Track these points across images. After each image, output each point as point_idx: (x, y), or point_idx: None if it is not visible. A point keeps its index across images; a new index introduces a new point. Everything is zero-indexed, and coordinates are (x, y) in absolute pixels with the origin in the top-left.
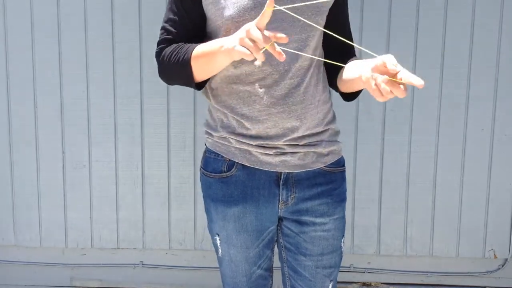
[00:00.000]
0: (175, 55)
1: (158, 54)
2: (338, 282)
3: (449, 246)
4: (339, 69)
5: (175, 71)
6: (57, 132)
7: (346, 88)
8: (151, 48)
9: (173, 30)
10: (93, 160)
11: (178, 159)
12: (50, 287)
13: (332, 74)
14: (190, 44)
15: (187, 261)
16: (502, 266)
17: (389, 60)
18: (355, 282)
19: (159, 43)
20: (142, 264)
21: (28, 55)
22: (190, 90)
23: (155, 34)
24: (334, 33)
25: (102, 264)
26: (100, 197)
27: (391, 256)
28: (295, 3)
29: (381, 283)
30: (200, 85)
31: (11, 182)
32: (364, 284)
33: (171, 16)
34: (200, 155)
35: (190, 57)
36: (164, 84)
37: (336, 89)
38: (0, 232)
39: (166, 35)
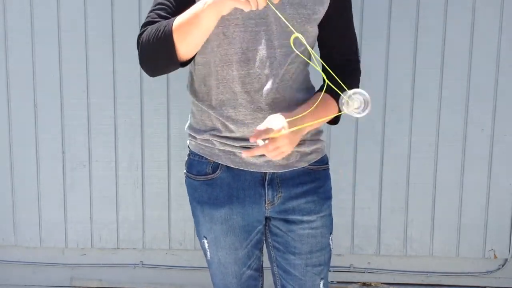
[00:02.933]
0: (154, 31)
1: (139, 37)
2: (338, 282)
3: (449, 246)
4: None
5: (156, 49)
6: (57, 132)
7: None
8: None
9: (161, 13)
10: (93, 160)
11: (178, 159)
12: (50, 287)
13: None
14: (171, 18)
15: (187, 261)
16: (502, 266)
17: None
18: (355, 282)
19: (142, 26)
20: (142, 264)
21: (28, 55)
22: None
23: None
24: (331, 41)
25: (102, 264)
26: (100, 197)
27: (391, 256)
28: (286, 10)
29: (381, 283)
30: (185, 63)
31: (11, 182)
32: (364, 284)
33: (160, 1)
34: None
35: (172, 28)
36: (164, 84)
37: None
38: (0, 232)
39: (152, 18)
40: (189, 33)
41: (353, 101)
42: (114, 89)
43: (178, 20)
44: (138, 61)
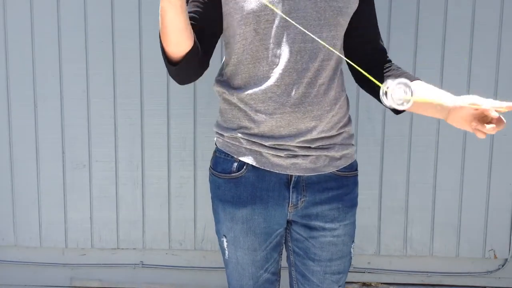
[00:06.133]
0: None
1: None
2: None
3: (449, 246)
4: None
5: (164, 60)
6: (57, 132)
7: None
8: (151, 48)
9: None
10: (93, 160)
11: (178, 159)
12: (50, 287)
13: (361, 76)
14: None
15: (187, 261)
16: (502, 266)
17: (485, 104)
18: (355, 282)
19: None
20: (142, 264)
21: (28, 55)
22: (190, 90)
23: (155, 35)
24: (360, 35)
25: (102, 264)
26: (100, 197)
27: (391, 256)
28: (317, 3)
29: (381, 283)
30: (175, 64)
31: (11, 182)
32: (364, 284)
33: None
34: (200, 155)
35: (159, 33)
36: (164, 84)
37: (368, 90)
38: (0, 232)
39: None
40: (164, 34)
41: (396, 92)
42: (114, 89)
43: (159, 27)
44: (138, 61)
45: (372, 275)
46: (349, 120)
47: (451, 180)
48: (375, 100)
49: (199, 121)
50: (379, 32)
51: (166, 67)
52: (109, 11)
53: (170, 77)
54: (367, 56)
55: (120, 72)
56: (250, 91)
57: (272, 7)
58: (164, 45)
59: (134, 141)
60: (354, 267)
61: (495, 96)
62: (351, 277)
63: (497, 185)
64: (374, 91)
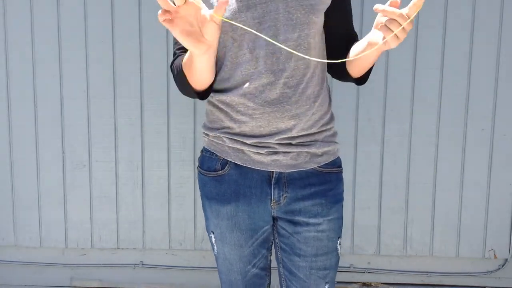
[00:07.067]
0: (175, 68)
1: (171, 67)
2: (338, 282)
3: (449, 246)
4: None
5: (179, 84)
6: (57, 132)
7: (358, 69)
8: (151, 48)
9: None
10: (93, 160)
11: (178, 159)
12: (50, 287)
13: (340, 69)
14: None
15: (187, 261)
16: (502, 266)
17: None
18: (355, 282)
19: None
20: (142, 264)
21: (28, 55)
22: None
23: (155, 34)
24: (335, 29)
25: (102, 264)
26: (100, 197)
27: (391, 256)
28: (288, 2)
29: (381, 283)
30: (203, 95)
31: (11, 182)
32: (364, 284)
33: None
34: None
35: (181, 69)
36: (164, 84)
37: (348, 78)
38: (0, 232)
39: (176, 47)
40: (192, 73)
41: None
42: (114, 89)
43: (184, 60)
44: (138, 61)
45: (372, 275)
46: (332, 117)
47: (451, 180)
48: (375, 100)
49: (199, 121)
50: (352, 26)
51: (181, 89)
52: (109, 11)
53: (170, 77)
54: (341, 48)
55: (120, 72)
56: (230, 93)
57: (237, 24)
58: (192, 81)
59: (134, 141)
60: (354, 267)
61: (495, 96)
62: (350, 277)
63: (497, 185)
64: (343, 76)
